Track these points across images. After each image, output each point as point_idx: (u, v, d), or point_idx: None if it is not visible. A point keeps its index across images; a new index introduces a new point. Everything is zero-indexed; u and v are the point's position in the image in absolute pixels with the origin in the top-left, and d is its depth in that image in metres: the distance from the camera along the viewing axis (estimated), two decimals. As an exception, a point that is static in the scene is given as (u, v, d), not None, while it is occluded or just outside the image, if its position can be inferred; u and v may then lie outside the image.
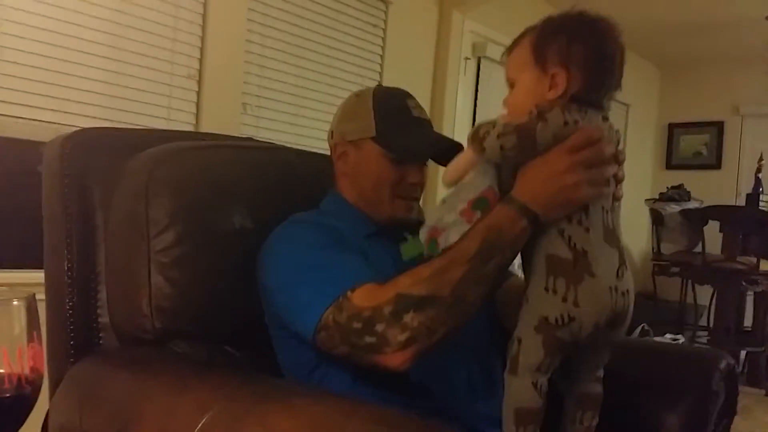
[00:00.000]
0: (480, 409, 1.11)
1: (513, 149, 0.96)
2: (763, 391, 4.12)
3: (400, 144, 1.18)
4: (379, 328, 0.94)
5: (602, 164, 0.96)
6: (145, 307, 1.12)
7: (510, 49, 1.07)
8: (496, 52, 3.90)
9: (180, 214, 1.14)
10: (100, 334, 1.19)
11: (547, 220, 0.96)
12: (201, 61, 2.56)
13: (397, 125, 1.20)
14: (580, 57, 0.98)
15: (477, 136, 0.99)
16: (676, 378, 1.35)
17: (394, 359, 0.94)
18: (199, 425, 0.86)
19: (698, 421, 1.34)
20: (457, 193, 1.04)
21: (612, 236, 0.98)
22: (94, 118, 2.24)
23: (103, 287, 1.19)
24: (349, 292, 0.99)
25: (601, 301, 0.95)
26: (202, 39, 2.55)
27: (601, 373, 1.05)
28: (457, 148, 1.20)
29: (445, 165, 1.27)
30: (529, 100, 0.99)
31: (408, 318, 0.93)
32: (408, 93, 1.26)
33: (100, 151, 1.23)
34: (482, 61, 3.90)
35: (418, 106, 1.25)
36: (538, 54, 1.01)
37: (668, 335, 4.33)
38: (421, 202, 1.29)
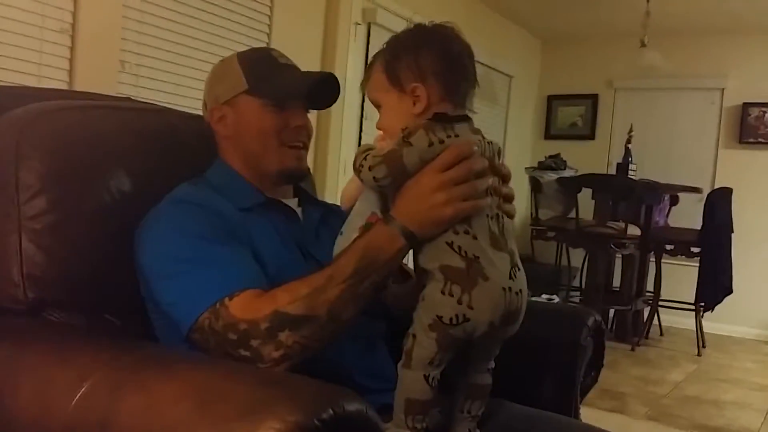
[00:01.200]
0: (360, 366, 1.14)
1: (385, 178, 1.00)
2: (630, 346, 4.45)
3: (274, 88, 1.18)
4: (254, 343, 0.95)
5: (472, 179, 0.99)
6: (16, 276, 1.07)
7: (366, 79, 1.10)
8: (386, 18, 3.91)
9: (52, 179, 1.09)
10: (-33, 305, 1.12)
11: (423, 237, 1.00)
12: (74, 14, 2.40)
13: (267, 73, 1.20)
14: (431, 66, 1.03)
15: (355, 167, 1.04)
16: (549, 335, 1.43)
17: None
18: (79, 394, 0.84)
19: (569, 373, 1.43)
20: (350, 222, 1.08)
21: (500, 241, 1.02)
22: (-47, 73, 2.07)
23: (-31, 255, 1.11)
24: (227, 299, 0.98)
25: (495, 301, 0.99)
26: (76, -10, 2.40)
27: (492, 364, 1.10)
28: (330, 78, 1.23)
29: (323, 108, 1.29)
30: (399, 120, 1.03)
31: (283, 336, 0.95)
32: (271, 47, 1.26)
33: (-40, 109, 1.14)
34: (372, 27, 3.90)
35: (283, 56, 1.25)
36: (391, 75, 1.05)
37: (544, 295, 4.58)
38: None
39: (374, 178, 1.01)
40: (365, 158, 1.02)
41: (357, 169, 1.03)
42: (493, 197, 1.03)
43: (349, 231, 1.07)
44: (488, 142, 1.05)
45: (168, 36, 2.77)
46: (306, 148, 1.24)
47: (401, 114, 1.04)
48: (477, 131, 1.05)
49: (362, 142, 3.92)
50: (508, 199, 1.06)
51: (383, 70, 1.06)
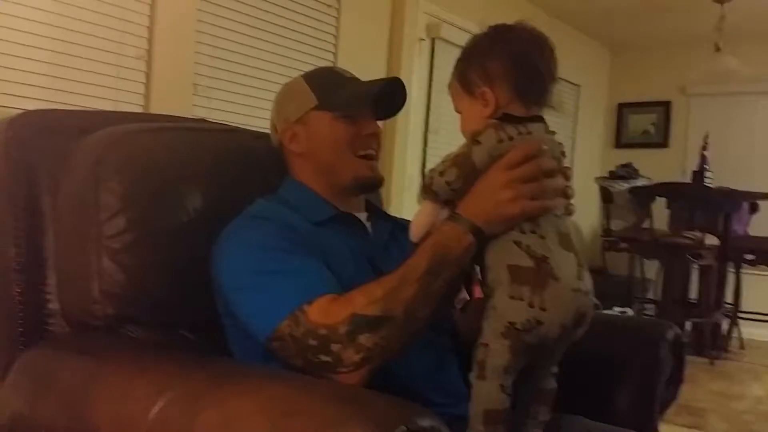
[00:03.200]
0: (430, 381, 1.13)
1: (458, 180, 1.00)
2: (708, 360, 4.27)
3: (342, 99, 1.20)
4: (335, 348, 0.96)
5: (541, 178, 0.99)
6: (95, 293, 1.10)
7: (449, 85, 1.11)
8: (450, 32, 3.91)
9: (131, 199, 1.12)
10: (50, 321, 1.16)
11: (491, 233, 0.99)
12: (150, 40, 2.50)
13: (334, 87, 1.23)
14: (497, 69, 1.02)
15: (425, 185, 1.04)
16: (626, 349, 1.39)
17: (349, 378, 0.96)
18: (156, 407, 0.86)
19: (648, 389, 1.39)
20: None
21: (567, 241, 1.00)
22: (38, 100, 2.17)
23: (53, 273, 1.16)
24: (306, 306, 0.99)
25: (567, 302, 0.97)
26: (151, 18, 2.49)
27: (555, 369, 1.08)
28: (396, 81, 1.24)
29: (392, 115, 1.30)
30: (475, 123, 1.04)
31: (363, 339, 0.95)
32: (334, 65, 1.28)
33: (46, 134, 1.20)
34: (437, 42, 3.91)
35: (347, 71, 1.28)
36: (463, 81, 1.06)
37: (617, 308, 4.45)
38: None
39: (447, 182, 1.00)
40: (433, 170, 1.02)
41: (429, 185, 1.03)
42: (562, 198, 1.02)
43: None
44: (559, 143, 1.05)
45: (239, 59, 2.85)
46: (377, 157, 1.25)
47: (475, 118, 1.04)
48: (551, 132, 1.04)
49: (427, 156, 3.92)
50: (569, 197, 1.05)
51: (457, 77, 1.08)
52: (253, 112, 2.85)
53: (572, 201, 1.05)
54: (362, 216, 1.27)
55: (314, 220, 1.17)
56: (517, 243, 0.98)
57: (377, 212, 1.32)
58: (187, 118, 1.70)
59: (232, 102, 2.83)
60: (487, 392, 0.98)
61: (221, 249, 1.11)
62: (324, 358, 0.96)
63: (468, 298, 1.05)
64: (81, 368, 1.04)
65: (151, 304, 1.15)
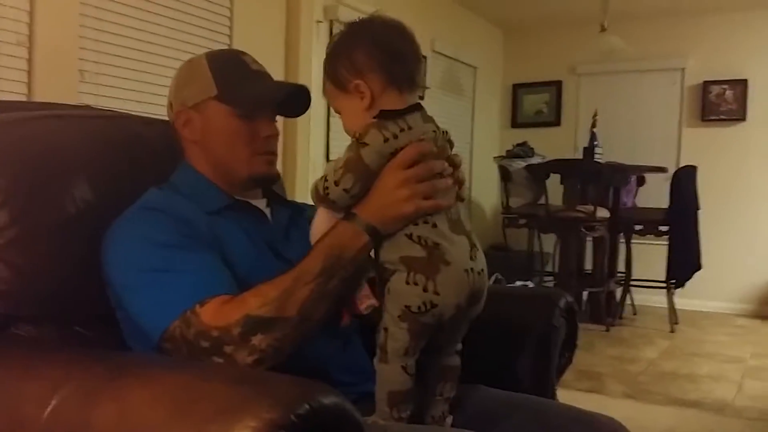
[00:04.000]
0: (335, 361, 1.15)
1: (355, 185, 1.00)
2: (604, 327, 4.51)
3: (244, 97, 1.16)
4: (228, 349, 0.95)
5: (433, 177, 1.01)
6: (-20, 292, 1.05)
7: (323, 89, 1.11)
8: (348, 15, 3.90)
9: (12, 192, 1.07)
10: (-69, 324, 1.10)
11: (386, 232, 1.01)
12: (30, 25, 2.36)
13: (238, 80, 1.18)
14: (364, 59, 1.04)
15: (319, 194, 1.03)
16: (522, 318, 1.45)
17: None
18: (50, 406, 0.83)
19: (544, 355, 1.45)
20: (314, 235, 1.06)
21: (458, 225, 1.03)
22: None
23: (-69, 273, 1.09)
24: (198, 307, 0.98)
25: (460, 284, 1.01)
26: (31, 1, 2.35)
27: (459, 346, 1.11)
28: (301, 89, 1.22)
29: (293, 116, 1.27)
30: (357, 120, 1.04)
31: (256, 340, 0.95)
32: (242, 51, 1.24)
33: None
34: (335, 24, 3.89)
35: (255, 62, 1.23)
36: (335, 79, 1.06)
37: (518, 282, 4.62)
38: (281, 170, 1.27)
39: (344, 190, 1.00)
40: (325, 180, 1.02)
41: (323, 195, 1.02)
42: (451, 188, 1.04)
43: None
44: (442, 132, 1.06)
45: (127, 43, 2.73)
46: (275, 154, 1.22)
47: (355, 113, 1.05)
48: (429, 119, 1.06)
49: (330, 141, 3.91)
50: (460, 184, 1.08)
51: (327, 77, 1.08)
52: (144, 98, 2.75)
53: (464, 186, 1.08)
54: (260, 203, 1.25)
55: (209, 209, 1.15)
56: (408, 235, 1.00)
57: (276, 198, 1.30)
58: (71, 105, 1.62)
59: (121, 88, 2.71)
60: (390, 375, 1.01)
61: (111, 242, 1.08)
62: (217, 359, 0.96)
63: (376, 304, 1.06)
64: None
65: (40, 301, 1.10)
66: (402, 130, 1.01)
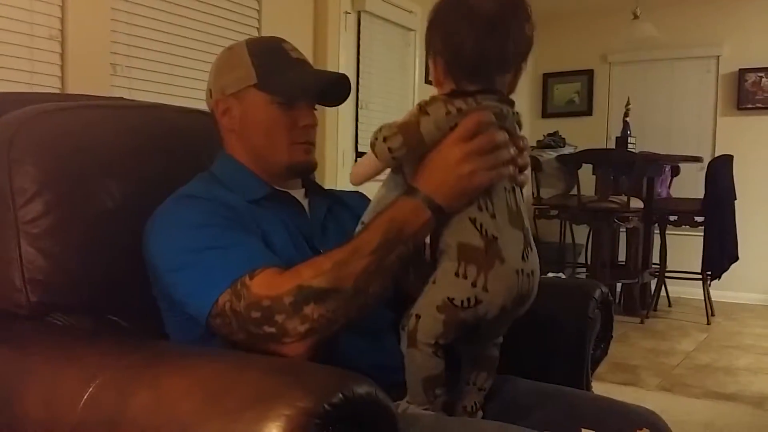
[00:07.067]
0: (368, 358, 1.12)
1: (401, 149, 0.97)
2: (638, 320, 4.45)
3: (284, 85, 1.14)
4: (279, 318, 0.93)
5: (495, 149, 0.97)
6: (17, 281, 1.06)
7: None
8: (375, 5, 3.89)
9: (47, 182, 1.08)
10: (-29, 313, 1.11)
11: (450, 210, 0.97)
12: (62, 20, 2.39)
13: (277, 68, 1.16)
14: (439, 42, 1.00)
15: (372, 142, 1.00)
16: (556, 309, 1.43)
17: (293, 349, 0.94)
18: (86, 394, 0.83)
19: (578, 347, 1.43)
20: (373, 210, 1.04)
21: (516, 218, 1.00)
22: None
23: (-30, 263, 1.11)
24: (247, 278, 0.96)
25: (510, 285, 0.97)
26: (63, -5, 2.38)
27: (500, 339, 1.08)
28: (342, 78, 1.20)
29: (332, 105, 1.26)
30: (437, 83, 1.03)
31: (308, 309, 0.93)
32: (282, 38, 1.22)
33: (-47, 118, 1.14)
34: (362, 15, 3.88)
35: (295, 49, 1.21)
36: (426, 44, 1.04)
37: (550, 274, 4.57)
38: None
39: (389, 149, 0.97)
40: (380, 130, 0.99)
41: (372, 142, 0.99)
42: (513, 169, 1.01)
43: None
44: (513, 112, 1.03)
45: (157, 36, 2.76)
46: (313, 143, 1.21)
47: (437, 80, 1.03)
48: (508, 101, 1.02)
49: (359, 131, 3.91)
50: (523, 168, 1.04)
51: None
52: (176, 91, 2.78)
53: (526, 173, 1.05)
54: (299, 193, 1.24)
55: (250, 198, 1.14)
56: (473, 220, 0.97)
57: (315, 188, 1.29)
58: (105, 96, 1.64)
59: (153, 81, 2.74)
60: (422, 361, 0.98)
61: (153, 231, 1.07)
62: (268, 329, 0.94)
63: None
64: (6, 359, 1.00)
65: (77, 290, 1.11)
66: (469, 106, 0.97)
